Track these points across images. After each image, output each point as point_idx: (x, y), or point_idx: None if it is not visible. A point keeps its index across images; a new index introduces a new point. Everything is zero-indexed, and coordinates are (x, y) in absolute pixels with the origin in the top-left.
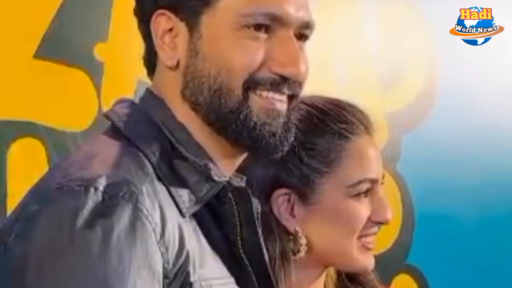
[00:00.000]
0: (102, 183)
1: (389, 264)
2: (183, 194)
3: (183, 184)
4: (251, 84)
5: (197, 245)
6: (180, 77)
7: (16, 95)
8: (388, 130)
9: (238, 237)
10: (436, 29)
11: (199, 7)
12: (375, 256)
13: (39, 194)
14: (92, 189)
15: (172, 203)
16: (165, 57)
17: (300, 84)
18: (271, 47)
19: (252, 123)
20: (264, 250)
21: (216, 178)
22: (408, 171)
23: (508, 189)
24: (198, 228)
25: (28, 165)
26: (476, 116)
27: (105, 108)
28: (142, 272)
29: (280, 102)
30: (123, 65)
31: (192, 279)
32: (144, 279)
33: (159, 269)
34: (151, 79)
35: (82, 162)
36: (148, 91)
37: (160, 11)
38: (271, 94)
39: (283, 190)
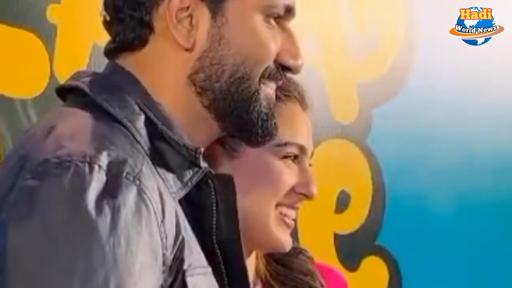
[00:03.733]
0: (104, 160)
1: (358, 245)
2: (170, 178)
3: (167, 167)
4: (264, 74)
5: (185, 231)
6: (192, 60)
7: None
8: (359, 102)
9: (214, 226)
10: (436, 29)
11: None
12: (344, 236)
13: (32, 167)
14: (96, 167)
15: (165, 186)
16: (180, 36)
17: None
18: (281, 38)
19: (258, 113)
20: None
21: (202, 164)
22: (379, 147)
23: (486, 168)
24: (183, 214)
25: None
26: (454, 93)
27: (58, 74)
28: (147, 258)
29: (274, 92)
30: (78, 28)
31: (185, 267)
32: (148, 264)
33: (160, 255)
34: (121, 50)
35: (74, 134)
36: (118, 66)
37: None
38: (272, 84)
39: None
